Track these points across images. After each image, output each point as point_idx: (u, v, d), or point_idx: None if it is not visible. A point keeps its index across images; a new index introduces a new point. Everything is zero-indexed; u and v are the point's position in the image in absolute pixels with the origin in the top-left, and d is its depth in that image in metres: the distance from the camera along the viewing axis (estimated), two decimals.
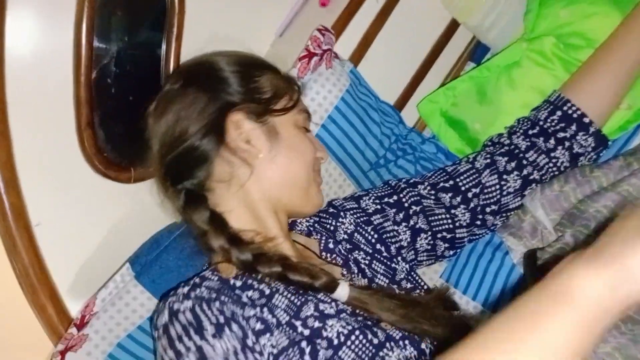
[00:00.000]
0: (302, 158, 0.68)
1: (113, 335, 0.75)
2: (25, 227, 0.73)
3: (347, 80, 0.89)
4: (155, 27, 0.86)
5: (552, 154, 0.77)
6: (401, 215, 0.78)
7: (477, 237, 0.84)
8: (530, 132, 0.79)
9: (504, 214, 0.81)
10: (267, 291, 0.61)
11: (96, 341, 0.74)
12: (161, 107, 0.69)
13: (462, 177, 0.80)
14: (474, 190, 0.79)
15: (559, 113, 0.77)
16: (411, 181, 0.82)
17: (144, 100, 0.74)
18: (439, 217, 0.79)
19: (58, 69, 0.73)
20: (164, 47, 0.85)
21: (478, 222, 0.80)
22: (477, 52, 1.10)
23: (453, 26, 1.07)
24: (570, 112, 0.76)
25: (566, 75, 0.83)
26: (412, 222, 0.78)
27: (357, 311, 0.63)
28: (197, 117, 0.66)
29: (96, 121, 0.77)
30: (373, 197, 0.80)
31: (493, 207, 0.79)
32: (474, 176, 0.80)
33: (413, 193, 0.80)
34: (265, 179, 0.66)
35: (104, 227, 0.83)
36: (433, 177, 0.82)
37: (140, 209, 0.85)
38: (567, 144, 0.77)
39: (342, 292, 0.62)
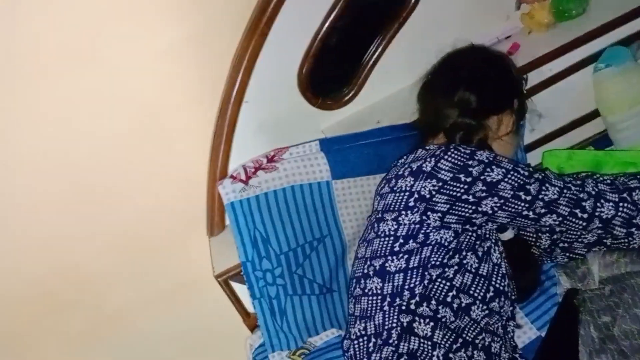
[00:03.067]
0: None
1: (291, 178, 1.04)
2: (240, 99, 1.04)
3: None
4: (385, 15, 1.15)
5: (631, 234, 1.00)
6: None
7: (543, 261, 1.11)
8: None
9: (568, 254, 1.08)
10: None
11: (281, 174, 1.03)
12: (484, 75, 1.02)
13: None
14: (561, 228, 1.03)
15: None
16: None
17: (349, 60, 1.13)
18: (529, 234, 1.07)
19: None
20: (383, 32, 1.15)
21: (549, 251, 1.07)
22: (599, 143, 1.37)
23: (595, 114, 1.34)
24: None
25: None
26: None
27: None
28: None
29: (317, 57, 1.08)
30: None
31: (566, 244, 1.06)
32: None
33: None
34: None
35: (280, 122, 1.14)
36: None
37: (304, 126, 1.17)
38: None
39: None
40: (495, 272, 0.90)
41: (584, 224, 0.89)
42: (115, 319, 1.29)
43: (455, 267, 0.87)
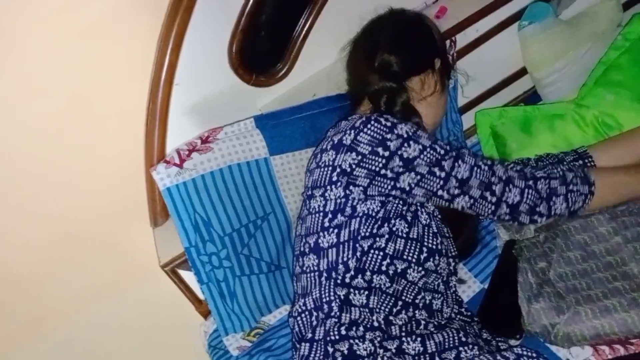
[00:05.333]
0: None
1: (227, 158, 1.02)
2: (170, 81, 1.01)
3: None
4: None
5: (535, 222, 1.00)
6: None
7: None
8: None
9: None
10: None
11: (216, 155, 1.01)
12: (403, 37, 1.02)
13: None
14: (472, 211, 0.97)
15: (580, 162, 1.06)
16: None
17: (279, 34, 1.12)
18: None
19: None
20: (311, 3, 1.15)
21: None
22: (530, 99, 1.42)
23: (523, 72, 1.39)
24: (588, 164, 1.06)
25: (592, 140, 1.16)
26: None
27: None
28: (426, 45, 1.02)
29: (247, 31, 1.06)
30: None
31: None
32: None
33: None
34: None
35: (213, 101, 1.11)
36: None
37: (239, 105, 1.15)
38: None
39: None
40: (426, 233, 0.92)
41: (493, 207, 0.91)
42: (52, 316, 1.24)
43: (386, 236, 0.88)
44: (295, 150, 1.08)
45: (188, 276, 1.16)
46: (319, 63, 1.24)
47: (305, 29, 1.18)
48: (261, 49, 1.20)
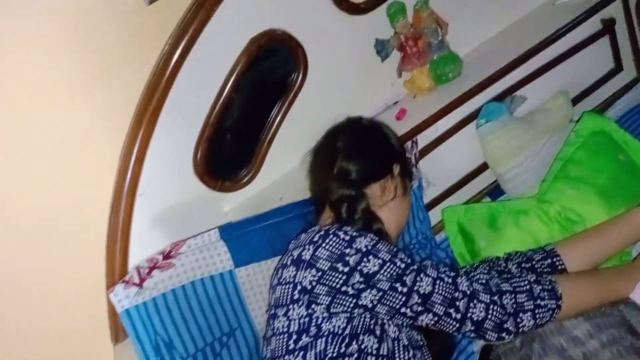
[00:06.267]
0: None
1: (190, 274, 0.98)
2: (132, 192, 1.01)
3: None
4: (276, 93, 1.20)
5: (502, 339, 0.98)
6: None
7: None
8: (523, 264, 1.08)
9: None
10: None
11: (178, 271, 0.97)
12: (360, 145, 1.03)
13: None
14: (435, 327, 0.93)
15: (549, 261, 1.06)
16: None
17: (245, 139, 1.15)
18: None
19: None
20: (276, 109, 1.20)
21: None
22: (495, 193, 1.44)
23: (485, 166, 1.42)
24: (557, 264, 1.06)
25: (559, 236, 1.17)
26: None
27: None
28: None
29: (211, 140, 1.09)
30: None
31: None
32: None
33: None
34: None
35: (178, 211, 1.11)
36: None
37: (206, 212, 1.14)
38: None
39: None
40: (396, 348, 0.88)
41: (457, 325, 0.89)
42: None
43: (355, 355, 0.84)
44: (261, 260, 1.05)
45: None
46: (285, 166, 1.25)
47: (271, 132, 1.21)
48: (226, 154, 1.21)
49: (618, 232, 1.07)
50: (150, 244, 1.06)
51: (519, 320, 0.89)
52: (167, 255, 0.98)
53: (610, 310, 0.96)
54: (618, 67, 1.61)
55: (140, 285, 0.93)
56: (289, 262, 0.89)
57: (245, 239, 1.04)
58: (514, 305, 0.90)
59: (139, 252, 1.04)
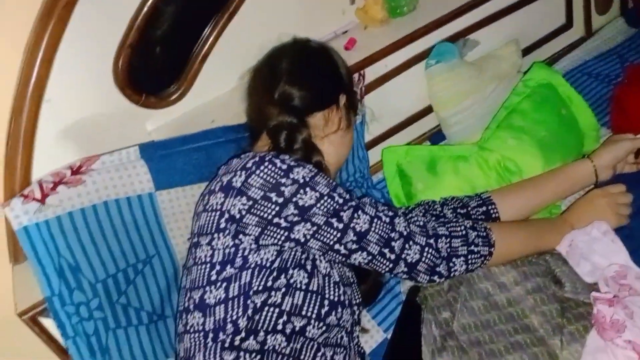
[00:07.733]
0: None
1: (103, 193, 0.87)
2: (38, 97, 0.87)
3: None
4: (214, 4, 1.06)
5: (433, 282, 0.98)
6: None
7: None
8: (458, 210, 1.07)
9: None
10: None
11: (89, 189, 0.86)
12: (306, 69, 0.94)
13: None
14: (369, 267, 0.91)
15: (484, 208, 1.06)
16: None
17: (176, 54, 1.03)
18: None
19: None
20: (212, 23, 1.06)
21: None
22: (435, 137, 1.41)
23: (429, 109, 1.38)
24: (491, 212, 1.05)
25: (495, 185, 1.16)
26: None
27: None
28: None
29: (136, 47, 0.95)
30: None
31: None
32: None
33: None
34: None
35: (94, 124, 0.98)
36: None
37: (126, 129, 1.02)
38: None
39: None
40: (327, 284, 0.84)
41: (391, 265, 0.86)
42: None
43: (283, 290, 0.79)
44: (186, 185, 0.96)
45: (52, 324, 0.99)
46: (219, 87, 1.14)
47: (205, 48, 1.08)
48: (154, 67, 1.08)
49: (553, 185, 1.08)
50: (58, 158, 0.93)
51: (451, 264, 0.88)
52: (76, 171, 0.86)
53: (537, 259, 0.97)
54: (568, 24, 1.61)
55: (42, 201, 0.82)
56: (217, 188, 0.81)
57: (169, 160, 0.94)
58: (448, 250, 0.88)
59: (45, 166, 0.92)
